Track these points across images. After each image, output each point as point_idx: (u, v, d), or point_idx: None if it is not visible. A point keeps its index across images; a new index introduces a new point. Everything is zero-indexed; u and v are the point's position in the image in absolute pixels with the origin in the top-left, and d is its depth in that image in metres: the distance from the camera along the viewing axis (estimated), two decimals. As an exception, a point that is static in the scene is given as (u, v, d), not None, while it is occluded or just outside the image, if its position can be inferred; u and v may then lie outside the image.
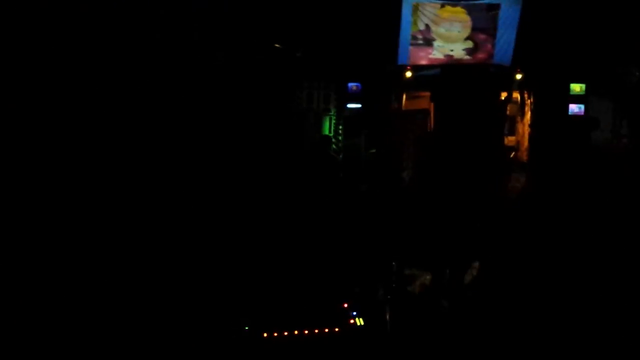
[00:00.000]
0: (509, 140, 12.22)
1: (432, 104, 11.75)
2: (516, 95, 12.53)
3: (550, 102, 11.74)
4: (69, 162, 5.21)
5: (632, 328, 3.55)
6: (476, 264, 5.30)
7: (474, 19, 12.52)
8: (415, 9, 12.31)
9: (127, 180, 5.01)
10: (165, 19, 7.44)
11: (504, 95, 12.50)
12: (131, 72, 6.56)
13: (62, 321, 3.76)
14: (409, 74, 12.41)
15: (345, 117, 12.01)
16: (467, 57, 12.67)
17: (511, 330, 3.57)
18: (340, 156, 11.08)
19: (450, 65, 12.39)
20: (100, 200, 4.90)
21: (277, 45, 11.38)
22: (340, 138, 11.88)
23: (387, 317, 3.54)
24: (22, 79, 5.77)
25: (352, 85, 12.01)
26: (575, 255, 5.22)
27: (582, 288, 4.26)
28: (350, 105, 12.08)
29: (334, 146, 11.89)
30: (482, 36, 12.62)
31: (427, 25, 12.50)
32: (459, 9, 12.43)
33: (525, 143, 12.08)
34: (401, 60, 12.63)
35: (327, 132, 11.86)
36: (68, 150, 5.34)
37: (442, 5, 12.39)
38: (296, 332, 3.54)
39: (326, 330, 3.58)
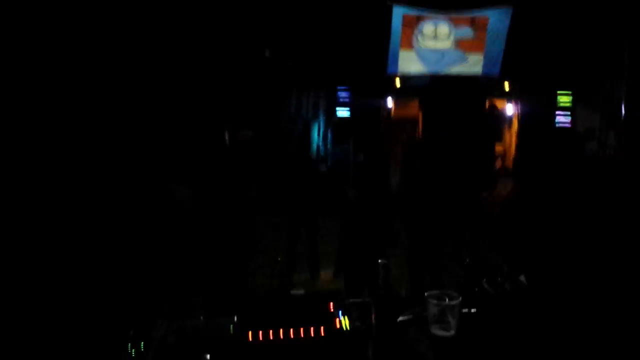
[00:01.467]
0: (496, 148, 12.33)
1: (420, 112, 11.84)
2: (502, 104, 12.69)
3: (538, 111, 11.88)
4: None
5: (621, 337, 3.56)
6: (462, 268, 5.31)
7: (461, 30, 12.70)
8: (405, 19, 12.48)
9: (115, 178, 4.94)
10: (151, 26, 7.40)
11: (498, 103, 12.66)
12: (117, 78, 6.49)
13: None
14: (398, 82, 12.52)
15: (334, 123, 12.09)
16: (456, 67, 12.84)
17: (498, 332, 3.57)
18: (328, 162, 11.11)
19: (439, 75, 12.52)
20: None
21: (266, 55, 11.44)
22: (328, 145, 11.93)
23: (373, 318, 3.52)
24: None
25: (342, 92, 12.10)
26: (560, 262, 5.24)
27: (569, 293, 4.28)
28: (339, 113, 12.16)
29: (321, 153, 11.94)
30: (470, 46, 12.82)
31: (416, 35, 12.66)
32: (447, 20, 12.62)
33: (512, 152, 12.20)
34: (391, 69, 12.76)
35: (315, 139, 11.91)
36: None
37: (431, 18, 12.57)
38: (281, 332, 3.50)
39: (311, 330, 3.54)
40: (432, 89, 11.47)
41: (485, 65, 12.93)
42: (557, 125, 11.97)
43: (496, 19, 12.58)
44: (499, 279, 3.70)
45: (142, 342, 3.47)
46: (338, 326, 4.18)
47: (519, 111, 12.26)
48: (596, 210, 6.67)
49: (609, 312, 3.79)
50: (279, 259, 6.03)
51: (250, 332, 3.93)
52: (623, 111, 11.02)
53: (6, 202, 4.10)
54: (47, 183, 4.32)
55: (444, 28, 12.62)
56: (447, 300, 3.11)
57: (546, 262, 5.40)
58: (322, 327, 4.09)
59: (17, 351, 3.53)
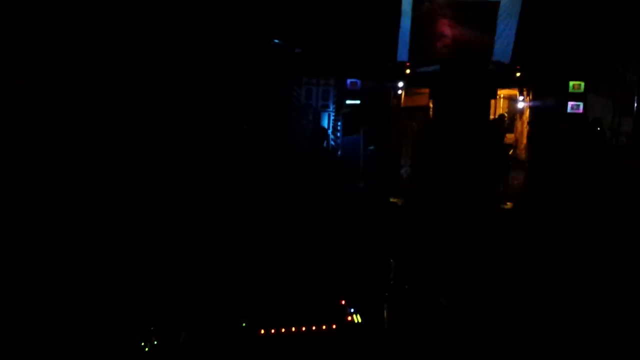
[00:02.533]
0: (508, 137, 12.22)
1: (431, 101, 11.73)
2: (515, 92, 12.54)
3: (549, 99, 11.72)
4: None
5: (633, 327, 3.54)
6: (474, 262, 5.30)
7: (473, 16, 12.52)
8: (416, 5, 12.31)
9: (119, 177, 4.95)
10: (161, 14, 7.36)
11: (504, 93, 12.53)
12: (128, 69, 6.46)
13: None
14: (408, 70, 12.40)
15: (344, 113, 11.99)
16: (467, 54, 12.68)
17: (510, 328, 3.57)
18: (339, 152, 11.04)
19: (449, 62, 12.37)
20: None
21: (276, 41, 11.35)
22: (338, 134, 11.85)
23: (385, 314, 3.53)
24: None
25: (351, 81, 11.99)
26: (575, 253, 5.21)
27: (583, 286, 4.26)
28: (349, 102, 12.06)
29: (332, 142, 11.87)
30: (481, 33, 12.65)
31: (427, 22, 12.50)
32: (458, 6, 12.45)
33: (524, 141, 12.07)
34: (401, 57, 12.62)
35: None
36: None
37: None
38: (293, 328, 3.53)
39: (323, 327, 3.57)
40: (443, 77, 11.34)
41: (496, 51, 12.77)
42: (569, 112, 11.78)
43: (508, 4, 12.39)
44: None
45: (155, 340, 3.51)
46: (350, 321, 4.20)
47: (530, 100, 12.10)
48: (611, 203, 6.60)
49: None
50: None
51: (262, 327, 3.96)
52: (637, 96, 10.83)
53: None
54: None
55: (455, 12, 12.46)
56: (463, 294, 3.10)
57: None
58: (334, 322, 4.11)
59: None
